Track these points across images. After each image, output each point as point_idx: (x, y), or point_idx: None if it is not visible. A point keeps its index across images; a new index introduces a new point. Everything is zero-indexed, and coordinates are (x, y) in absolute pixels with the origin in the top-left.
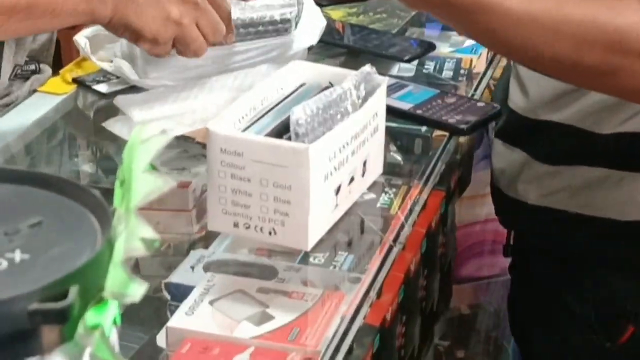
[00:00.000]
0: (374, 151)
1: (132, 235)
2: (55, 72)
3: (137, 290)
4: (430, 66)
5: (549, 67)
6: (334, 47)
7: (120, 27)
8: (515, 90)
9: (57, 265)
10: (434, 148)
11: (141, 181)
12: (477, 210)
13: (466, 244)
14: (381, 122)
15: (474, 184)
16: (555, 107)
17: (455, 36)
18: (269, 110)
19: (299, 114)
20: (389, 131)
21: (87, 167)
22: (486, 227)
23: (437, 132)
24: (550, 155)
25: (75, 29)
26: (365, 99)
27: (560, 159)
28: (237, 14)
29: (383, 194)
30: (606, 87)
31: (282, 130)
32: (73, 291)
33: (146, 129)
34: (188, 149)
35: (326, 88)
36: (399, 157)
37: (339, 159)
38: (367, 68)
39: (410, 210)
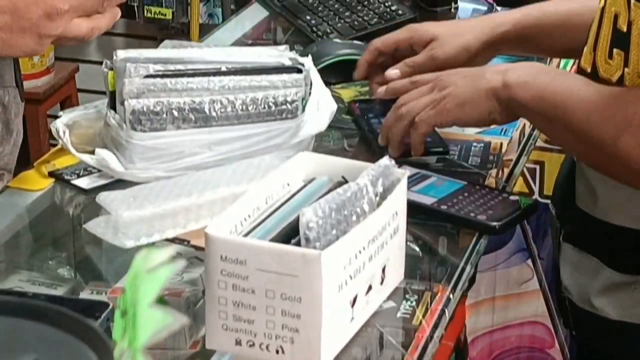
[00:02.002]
0: (394, 255)
1: None
2: (20, 162)
3: None
4: (454, 151)
5: None
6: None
7: None
8: (582, 191)
9: None
10: (461, 248)
11: (148, 317)
12: (512, 312)
13: (499, 352)
14: (402, 221)
15: (509, 282)
16: (629, 212)
17: None
18: (274, 211)
19: (310, 215)
20: (409, 228)
21: (64, 272)
22: (523, 331)
23: (465, 230)
24: (629, 264)
25: (44, 104)
26: (383, 196)
27: (638, 268)
28: (237, 92)
29: (404, 302)
30: None
31: (290, 234)
32: None
33: (152, 254)
34: (181, 251)
35: (339, 184)
36: (421, 258)
37: (355, 266)
38: (385, 160)
39: (437, 321)
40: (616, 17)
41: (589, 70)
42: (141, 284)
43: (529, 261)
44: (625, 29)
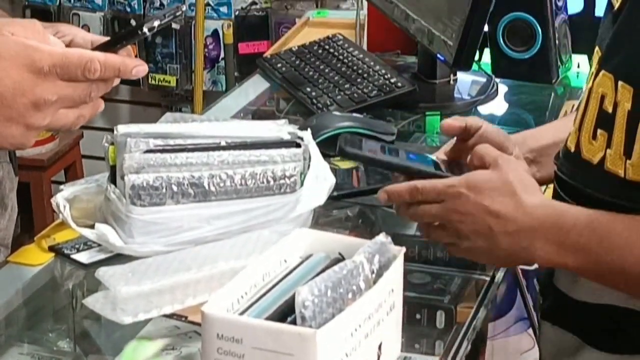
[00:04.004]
0: (391, 332)
1: None
2: (25, 229)
3: None
4: None
5: None
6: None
7: None
8: (561, 272)
9: None
10: (458, 322)
11: None
12: None
13: None
14: (398, 298)
15: (507, 352)
16: (612, 291)
17: None
18: (271, 288)
19: (305, 294)
20: (406, 302)
21: (64, 345)
22: None
23: (462, 304)
24: (608, 342)
25: (48, 171)
26: (380, 273)
27: (621, 347)
28: (236, 167)
29: None
30: None
31: (287, 312)
32: None
33: (141, 347)
34: (179, 326)
35: (336, 261)
36: (418, 333)
37: (351, 344)
38: (382, 237)
39: None
40: (603, 98)
41: (572, 150)
42: None
43: (530, 330)
44: (610, 110)
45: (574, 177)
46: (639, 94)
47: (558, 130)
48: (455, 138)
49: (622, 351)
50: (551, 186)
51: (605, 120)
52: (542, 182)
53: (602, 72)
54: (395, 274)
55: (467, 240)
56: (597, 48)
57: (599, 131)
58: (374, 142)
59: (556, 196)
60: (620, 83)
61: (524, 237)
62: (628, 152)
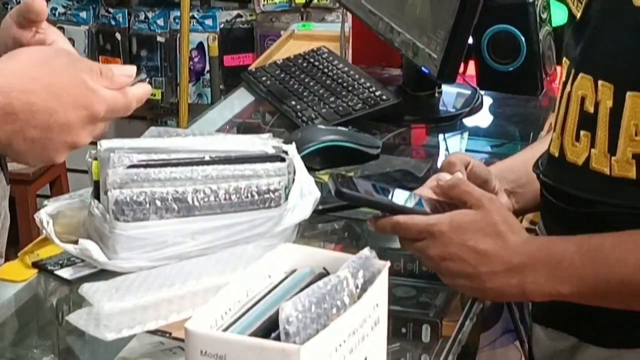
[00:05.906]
0: (375, 347)
1: None
2: (10, 243)
3: None
4: None
5: None
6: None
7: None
8: None
9: None
10: (444, 336)
11: None
12: None
13: None
14: (383, 313)
15: None
16: None
17: None
18: (255, 304)
19: (289, 310)
20: (392, 316)
21: None
22: None
23: (448, 318)
24: (608, 338)
25: (34, 184)
26: (364, 288)
27: (621, 341)
28: (220, 182)
29: None
30: None
31: (271, 328)
32: None
33: None
34: (163, 341)
35: (320, 276)
36: (403, 347)
37: (335, 359)
38: (366, 252)
39: None
40: (583, 99)
41: (556, 154)
42: None
43: (517, 342)
44: (592, 110)
45: (561, 181)
46: (619, 90)
47: (533, 159)
48: (439, 173)
49: (622, 345)
50: (528, 216)
51: (587, 121)
52: (520, 212)
53: (580, 74)
54: (379, 289)
55: (449, 278)
56: (564, 59)
57: (582, 132)
58: (364, 181)
59: (545, 202)
60: (600, 82)
61: (513, 274)
62: (612, 149)
